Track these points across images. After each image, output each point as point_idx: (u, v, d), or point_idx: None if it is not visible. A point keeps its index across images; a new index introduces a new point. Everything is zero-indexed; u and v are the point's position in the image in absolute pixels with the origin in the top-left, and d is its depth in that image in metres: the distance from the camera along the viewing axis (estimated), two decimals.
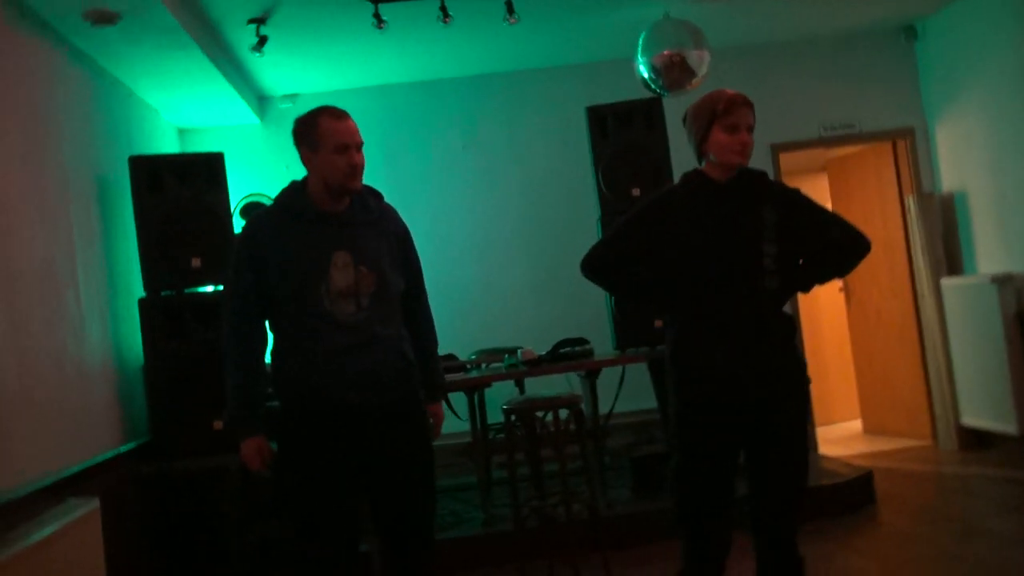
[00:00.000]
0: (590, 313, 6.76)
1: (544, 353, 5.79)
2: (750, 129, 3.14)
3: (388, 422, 3.19)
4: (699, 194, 3.21)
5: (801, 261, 3.27)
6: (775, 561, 3.14)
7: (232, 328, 3.19)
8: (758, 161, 7.11)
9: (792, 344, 3.24)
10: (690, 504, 3.21)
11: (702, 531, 3.20)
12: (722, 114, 3.11)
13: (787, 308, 7.18)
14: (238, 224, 5.82)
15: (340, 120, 3.19)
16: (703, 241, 3.14)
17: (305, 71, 6.64)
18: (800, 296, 7.39)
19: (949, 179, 7.32)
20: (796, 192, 3.30)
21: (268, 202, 6.05)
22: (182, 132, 7.00)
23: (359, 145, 3.19)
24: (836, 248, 3.28)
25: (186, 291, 5.21)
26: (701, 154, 3.20)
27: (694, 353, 3.18)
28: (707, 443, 3.16)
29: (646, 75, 5.85)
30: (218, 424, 4.91)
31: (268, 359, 3.27)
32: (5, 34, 4.06)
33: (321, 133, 3.14)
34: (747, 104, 3.15)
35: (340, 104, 6.96)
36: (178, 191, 5.23)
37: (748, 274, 3.11)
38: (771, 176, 7.20)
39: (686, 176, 3.28)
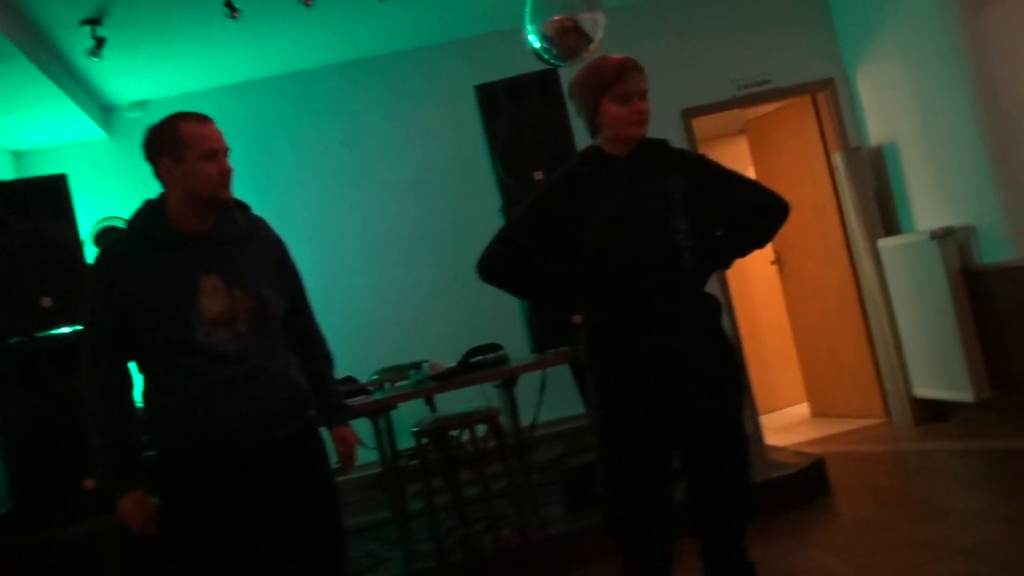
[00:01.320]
0: (501, 315, 6.76)
1: (454, 365, 5.74)
2: (643, 95, 3.15)
3: (283, 463, 3.15)
4: (599, 172, 3.21)
5: (717, 234, 3.27)
6: (724, 570, 3.16)
7: (93, 373, 3.12)
8: (669, 128, 7.27)
9: (719, 328, 3.24)
10: (623, 520, 3.19)
11: (640, 548, 3.18)
12: (612, 83, 3.11)
13: (714, 287, 7.34)
14: (92, 254, 5.70)
15: (205, 124, 3.15)
16: (608, 223, 3.13)
17: (153, 74, 6.54)
18: (728, 273, 7.54)
19: (877, 131, 7.49)
20: (701, 157, 3.35)
21: (125, 226, 5.96)
22: (16, 155, 6.85)
23: (227, 151, 3.17)
24: (752, 214, 3.29)
25: (37, 335, 5.10)
26: (594, 129, 3.20)
27: (611, 348, 3.17)
28: (635, 449, 3.14)
29: (537, 45, 5.86)
30: (90, 482, 4.81)
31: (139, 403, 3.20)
32: None
33: (185, 140, 3.08)
34: (637, 68, 3.16)
35: (198, 107, 6.85)
36: (17, 223, 5.12)
37: (661, 255, 3.10)
38: (684, 144, 7.36)
39: (583, 153, 3.29)
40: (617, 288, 3.15)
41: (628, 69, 3.13)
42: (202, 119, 3.17)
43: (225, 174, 3.14)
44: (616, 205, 3.15)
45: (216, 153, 3.12)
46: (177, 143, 3.09)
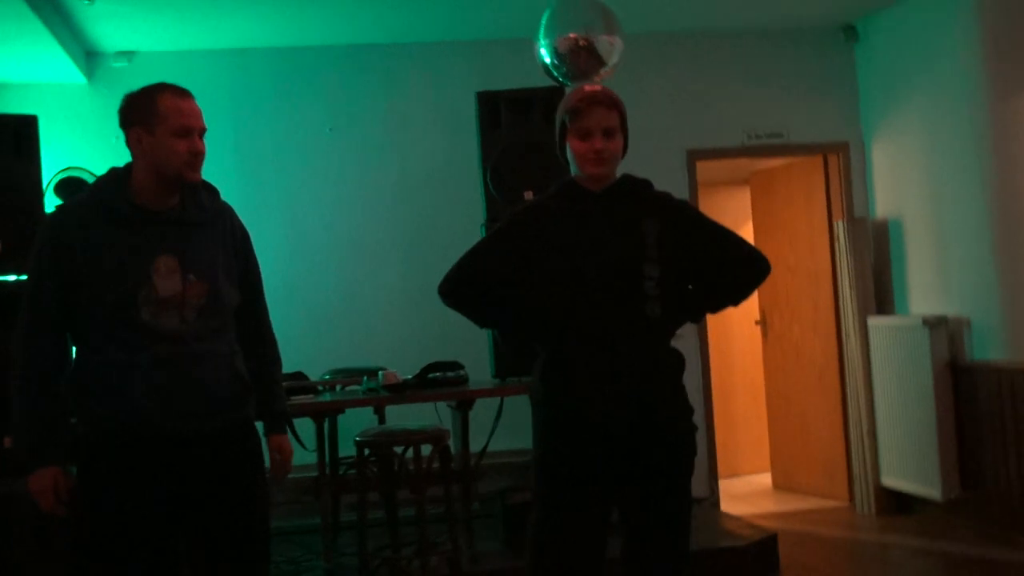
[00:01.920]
0: (467, 334, 6.68)
1: (410, 377, 5.73)
2: (609, 132, 3.09)
3: (215, 453, 3.14)
4: (570, 206, 3.18)
5: (690, 285, 3.25)
6: None
7: (25, 337, 3.11)
8: (671, 168, 7.30)
9: (678, 384, 3.20)
10: (548, 568, 3.13)
11: None
12: (573, 116, 3.10)
13: (692, 338, 7.34)
14: (51, 203, 5.68)
15: (184, 99, 3.14)
16: (573, 261, 3.09)
17: (144, 25, 6.50)
18: (709, 325, 7.57)
19: (884, 203, 7.53)
20: (683, 204, 3.29)
21: (90, 180, 5.93)
22: None
23: (202, 131, 3.16)
24: (730, 269, 3.25)
25: None
26: (564, 161, 3.20)
27: (560, 389, 3.13)
28: (570, 500, 3.10)
29: (548, 60, 5.87)
30: (8, 441, 4.75)
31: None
32: None
33: (161, 112, 3.08)
34: (603, 102, 3.11)
35: (186, 67, 6.97)
36: None
37: (625, 300, 3.07)
38: (684, 187, 7.38)
39: (557, 184, 3.26)
40: (574, 328, 3.10)
41: (591, 103, 3.09)
42: (182, 94, 3.15)
43: (196, 154, 3.13)
44: (583, 242, 3.11)
45: (190, 131, 3.11)
46: (152, 114, 3.09)
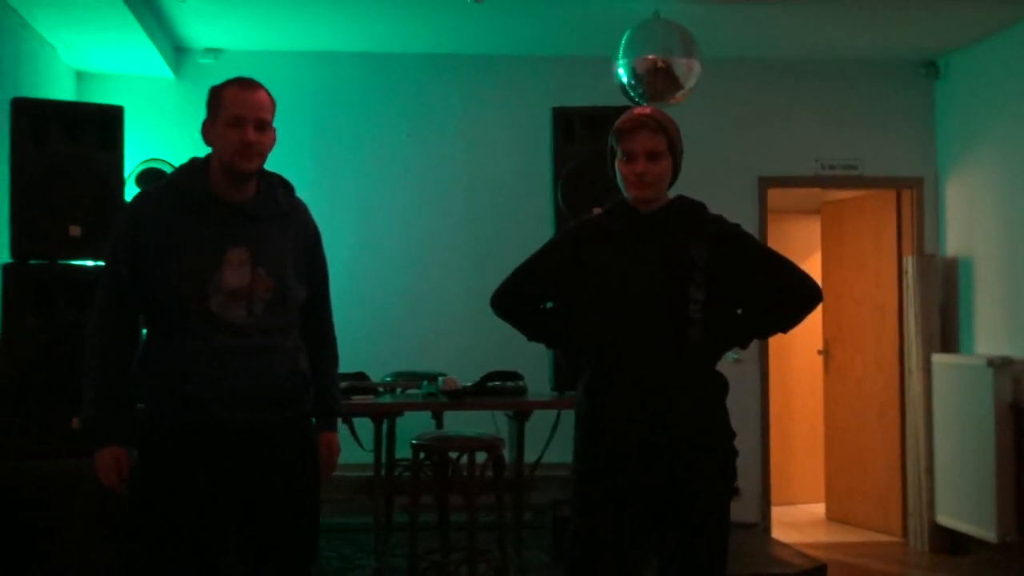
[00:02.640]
0: (528, 346, 6.75)
1: (469, 384, 5.75)
2: (653, 155, 3.05)
3: (271, 445, 3.17)
4: (618, 226, 3.18)
5: (740, 311, 3.22)
6: None
7: (101, 319, 3.16)
8: (742, 193, 7.28)
9: (720, 409, 3.17)
10: None
11: None
12: (619, 138, 3.09)
13: (754, 366, 7.32)
14: (131, 192, 5.76)
15: (245, 90, 3.15)
16: (616, 280, 3.10)
17: (233, 24, 6.60)
18: (772, 353, 7.53)
19: (955, 241, 7.45)
20: (737, 228, 3.20)
21: (169, 171, 6.02)
22: (80, 76, 6.94)
23: (259, 122, 3.13)
24: (779, 295, 3.19)
25: (59, 262, 5.12)
26: (616, 181, 3.18)
27: (600, 411, 3.13)
28: (604, 520, 3.10)
29: (625, 80, 5.87)
30: (76, 422, 4.80)
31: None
32: None
33: (222, 102, 3.11)
34: (649, 126, 3.06)
35: (271, 67, 7.03)
36: (66, 145, 5.13)
37: (668, 322, 3.06)
38: (754, 214, 7.35)
39: (609, 203, 3.25)
40: (616, 351, 3.11)
41: (637, 126, 3.06)
42: (247, 85, 3.17)
43: (246, 144, 3.09)
44: (627, 262, 3.11)
45: (242, 120, 3.09)
46: (217, 105, 3.13)
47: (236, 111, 3.09)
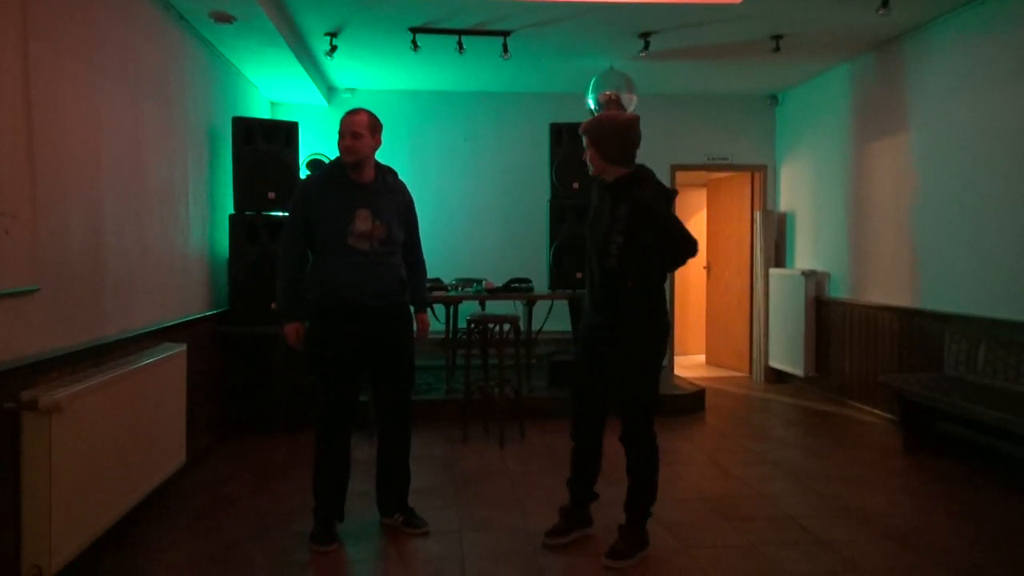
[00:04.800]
0: (535, 262, 6.80)
1: (500, 285, 5.79)
2: (587, 153, 3.05)
3: (384, 317, 3.19)
4: (598, 189, 3.14)
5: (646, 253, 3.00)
6: (627, 436, 3.08)
7: (286, 247, 3.17)
8: (661, 175, 7.18)
9: (628, 306, 3.00)
10: (574, 402, 3.23)
11: (580, 415, 3.24)
12: None
13: (668, 277, 7.32)
14: (303, 173, 5.75)
15: (349, 115, 3.16)
16: (593, 222, 3.10)
17: (362, 73, 6.49)
18: (678, 270, 7.46)
19: (784, 202, 7.33)
20: (649, 198, 2.94)
21: (326, 160, 5.99)
22: (272, 104, 6.87)
23: (354, 134, 3.10)
24: (669, 249, 2.96)
25: (262, 213, 5.13)
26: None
27: (584, 299, 3.23)
28: (582, 353, 3.20)
29: (592, 106, 5.79)
30: (273, 305, 4.88)
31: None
32: (151, 21, 3.96)
33: (342, 123, 3.15)
34: (582, 136, 3.05)
35: (382, 100, 6.90)
36: (265, 145, 5.12)
37: (601, 254, 3.01)
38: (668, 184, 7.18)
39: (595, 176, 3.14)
40: (586, 270, 3.16)
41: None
42: (352, 112, 3.17)
43: (347, 148, 3.10)
44: (596, 211, 3.10)
45: (344, 134, 3.12)
46: (341, 125, 3.14)
47: (342, 127, 3.13)
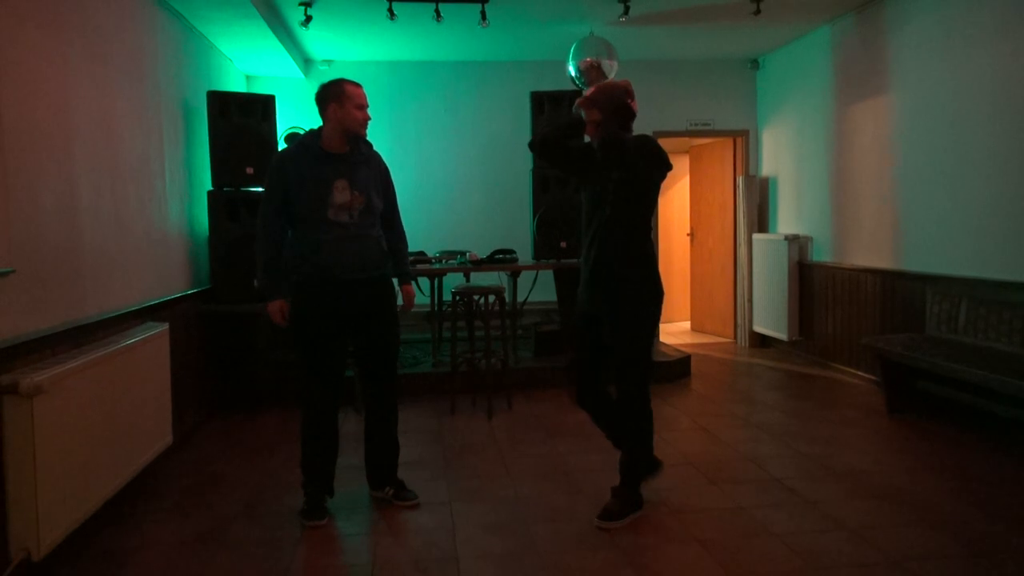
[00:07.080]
0: (519, 233, 6.77)
1: (484, 257, 5.75)
2: (591, 119, 3.09)
3: (367, 291, 3.18)
4: (599, 144, 3.13)
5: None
6: (619, 398, 3.12)
7: (264, 223, 3.13)
8: None
9: (622, 251, 3.07)
10: (573, 364, 3.28)
11: (580, 379, 3.27)
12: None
13: (655, 242, 7.31)
14: (281, 147, 5.67)
15: (358, 87, 3.16)
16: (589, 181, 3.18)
17: (339, 44, 6.40)
18: (661, 235, 7.47)
19: (767, 167, 7.33)
20: (652, 143, 3.05)
21: (302, 133, 5.91)
22: (248, 77, 6.76)
23: (368, 107, 3.18)
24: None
25: (240, 189, 5.08)
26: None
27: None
28: (581, 317, 3.22)
29: (573, 74, 5.74)
30: (256, 283, 4.84)
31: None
32: None
33: (348, 94, 3.10)
34: (586, 105, 3.11)
35: (361, 71, 6.81)
36: (241, 119, 5.06)
37: (599, 202, 3.09)
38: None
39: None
40: (584, 212, 3.21)
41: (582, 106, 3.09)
42: (357, 84, 3.17)
43: (366, 121, 3.14)
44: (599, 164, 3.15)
45: (364, 107, 3.13)
46: (343, 95, 3.09)
47: (361, 100, 3.13)
